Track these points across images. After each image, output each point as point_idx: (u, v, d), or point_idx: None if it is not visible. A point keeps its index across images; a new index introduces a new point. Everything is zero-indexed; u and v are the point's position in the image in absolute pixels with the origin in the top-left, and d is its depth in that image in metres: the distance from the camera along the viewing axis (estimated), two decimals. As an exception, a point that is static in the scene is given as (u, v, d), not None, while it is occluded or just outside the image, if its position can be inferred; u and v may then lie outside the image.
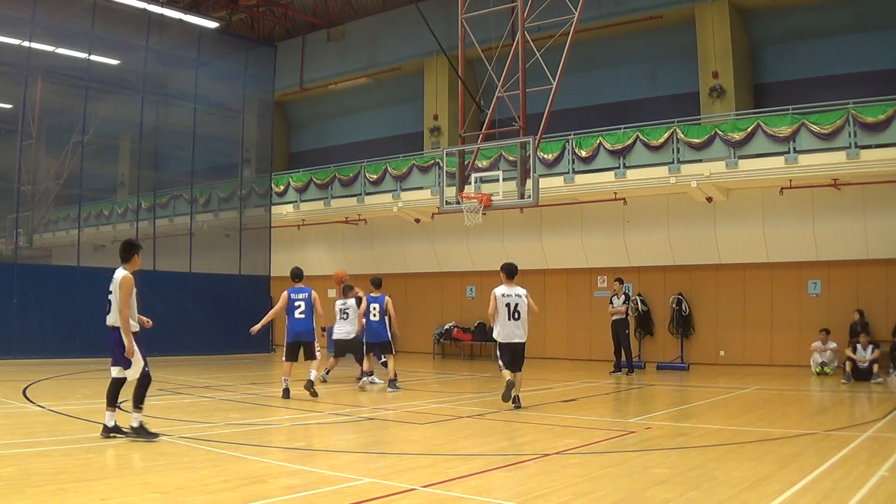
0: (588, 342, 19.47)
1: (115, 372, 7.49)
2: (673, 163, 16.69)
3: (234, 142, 22.51)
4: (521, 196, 13.64)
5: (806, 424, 9.06)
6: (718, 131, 16.25)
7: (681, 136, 16.68)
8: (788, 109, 15.80)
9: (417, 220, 21.65)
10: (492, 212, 15.37)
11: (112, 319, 7.44)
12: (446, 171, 16.57)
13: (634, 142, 17.13)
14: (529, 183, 13.45)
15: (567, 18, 14.02)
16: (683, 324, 18.01)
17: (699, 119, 17.61)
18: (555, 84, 13.77)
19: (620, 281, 16.54)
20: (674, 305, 18.16)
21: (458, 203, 14.30)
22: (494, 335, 10.20)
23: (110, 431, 7.37)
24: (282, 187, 23.54)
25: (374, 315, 12.26)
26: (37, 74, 18.61)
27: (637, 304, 18.26)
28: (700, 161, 16.37)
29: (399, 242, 22.46)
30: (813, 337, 15.93)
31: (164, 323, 18.61)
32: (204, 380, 13.98)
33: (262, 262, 22.18)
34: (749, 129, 15.87)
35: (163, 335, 18.64)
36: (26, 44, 17.77)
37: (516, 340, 10.07)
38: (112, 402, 7.43)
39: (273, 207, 23.02)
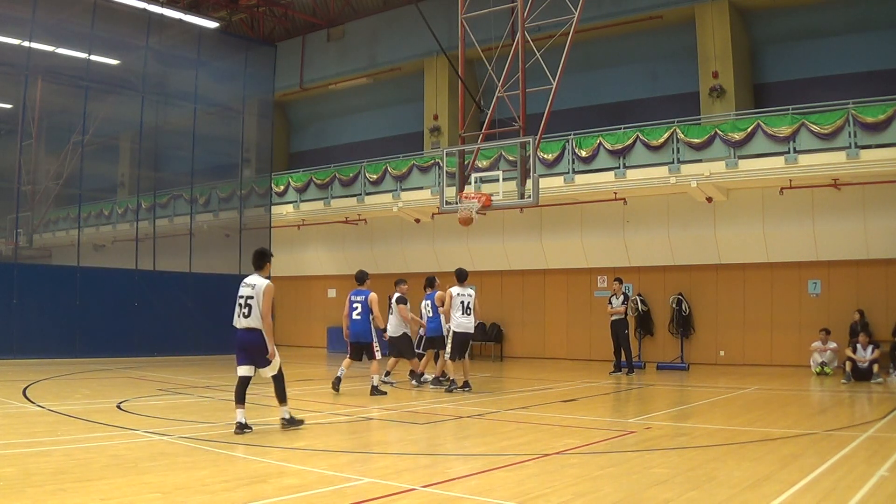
0: (588, 342, 19.47)
1: (245, 371, 7.88)
2: (673, 163, 16.69)
3: (234, 142, 22.51)
4: (521, 196, 13.62)
5: (806, 424, 9.06)
6: (718, 131, 16.25)
7: (681, 136, 16.68)
8: (788, 109, 15.80)
9: (417, 220, 21.64)
10: (492, 212, 15.36)
11: (248, 322, 7.77)
12: (446, 171, 16.56)
13: (634, 142, 17.13)
14: (529, 183, 13.43)
15: (567, 18, 14.00)
16: (683, 324, 18.01)
17: (699, 119, 17.61)
18: (555, 84, 13.74)
19: (620, 281, 16.53)
20: (674, 305, 18.16)
21: (458, 203, 14.28)
22: (453, 327, 12.05)
23: (243, 428, 7.75)
24: (282, 187, 23.53)
25: (428, 312, 13.13)
26: (37, 74, 18.62)
27: (637, 303, 18.27)
28: (700, 161, 16.38)
29: (399, 242, 22.44)
30: (813, 337, 15.93)
31: (165, 323, 18.97)
32: (204, 380, 13.97)
33: (262, 262, 22.14)
34: (749, 129, 15.87)
35: (163, 335, 19.03)
36: (26, 44, 17.77)
37: (469, 331, 12.21)
38: (241, 399, 7.83)
39: (273, 207, 23.01)
